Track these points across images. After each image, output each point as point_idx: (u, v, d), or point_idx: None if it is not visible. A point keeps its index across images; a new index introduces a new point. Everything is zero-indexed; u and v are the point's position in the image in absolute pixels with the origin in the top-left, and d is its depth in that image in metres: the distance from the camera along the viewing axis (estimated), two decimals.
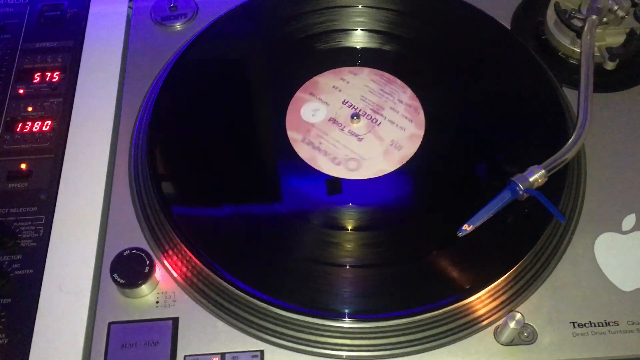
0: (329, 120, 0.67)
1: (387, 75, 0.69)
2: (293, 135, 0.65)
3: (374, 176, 0.63)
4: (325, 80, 0.69)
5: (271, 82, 0.70)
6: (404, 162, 0.64)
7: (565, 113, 0.65)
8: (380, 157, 0.64)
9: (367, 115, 0.67)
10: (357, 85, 0.69)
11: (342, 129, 0.66)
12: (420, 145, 0.65)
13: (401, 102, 0.68)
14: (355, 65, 0.70)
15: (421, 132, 0.66)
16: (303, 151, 0.64)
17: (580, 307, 0.56)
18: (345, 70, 0.70)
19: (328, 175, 0.63)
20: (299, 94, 0.68)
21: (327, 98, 0.68)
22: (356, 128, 0.67)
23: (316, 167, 0.63)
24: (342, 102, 0.68)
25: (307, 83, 0.68)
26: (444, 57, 0.71)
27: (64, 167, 0.64)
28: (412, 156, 0.64)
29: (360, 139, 0.66)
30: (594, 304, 0.56)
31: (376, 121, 0.67)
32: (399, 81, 0.69)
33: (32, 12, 0.76)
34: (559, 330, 0.55)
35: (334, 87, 0.68)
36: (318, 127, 0.66)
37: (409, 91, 0.68)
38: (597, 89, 0.67)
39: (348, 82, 0.68)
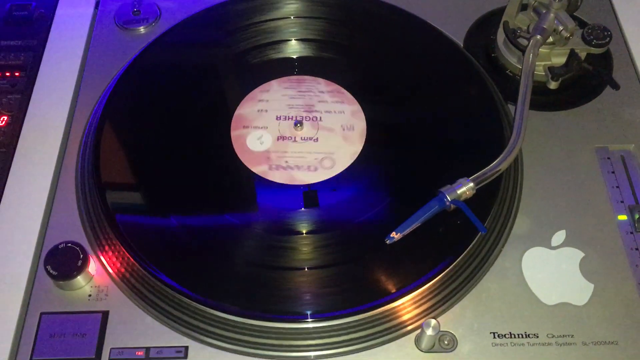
0: (278, 139, 0.68)
1: (294, 77, 0.72)
2: (259, 169, 0.66)
3: (351, 161, 0.66)
4: (247, 109, 0.70)
5: (214, 99, 0.71)
6: (364, 136, 0.67)
7: (505, 129, 0.67)
8: (343, 143, 0.67)
9: (306, 117, 0.69)
10: (276, 98, 0.70)
11: (294, 141, 0.68)
12: (365, 118, 0.69)
13: (322, 92, 0.70)
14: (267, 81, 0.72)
15: (357, 106, 0.69)
16: (277, 177, 0.65)
17: (502, 318, 0.57)
18: (257, 92, 0.71)
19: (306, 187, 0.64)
20: (233, 132, 0.68)
21: (261, 123, 0.69)
22: (305, 132, 0.68)
23: (299, 182, 0.65)
24: (277, 119, 0.69)
25: (234, 119, 0.69)
26: (379, 63, 0.73)
27: (13, 161, 0.66)
28: (367, 129, 0.68)
29: (316, 140, 0.68)
30: (516, 316, 0.57)
31: (316, 118, 0.69)
32: (309, 77, 0.72)
33: (1, 11, 0.78)
34: (479, 339, 0.56)
35: (258, 110, 0.70)
36: (274, 150, 0.67)
37: (322, 81, 0.72)
38: (541, 108, 0.69)
39: (267, 101, 0.70)
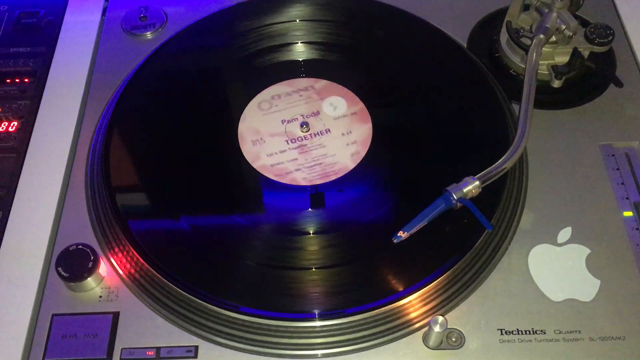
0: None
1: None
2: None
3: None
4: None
5: (221, 102, 0.72)
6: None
7: (510, 128, 0.67)
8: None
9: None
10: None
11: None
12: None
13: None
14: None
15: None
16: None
17: (509, 315, 0.57)
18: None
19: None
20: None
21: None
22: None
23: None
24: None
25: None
26: (384, 65, 0.74)
27: (24, 166, 0.67)
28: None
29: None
30: (523, 313, 0.57)
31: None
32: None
33: (10, 18, 0.80)
34: (486, 336, 0.56)
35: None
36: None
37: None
38: (545, 106, 0.70)
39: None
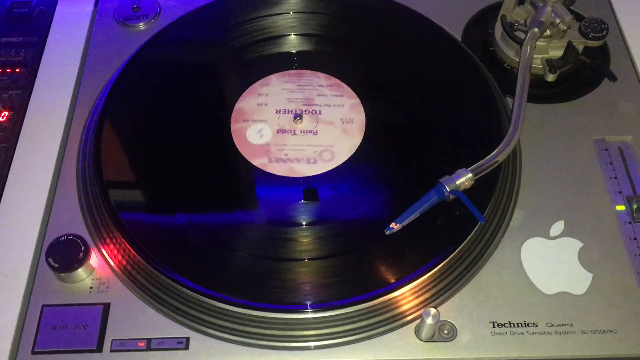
0: (278, 132, 0.68)
1: (293, 72, 0.72)
2: (259, 161, 0.66)
3: (351, 153, 0.66)
4: (247, 103, 0.70)
5: (214, 93, 0.72)
6: (363, 129, 0.67)
7: (503, 121, 0.67)
8: (342, 136, 0.67)
9: (305, 111, 0.69)
10: (276, 92, 0.71)
11: (294, 134, 0.68)
12: (364, 112, 0.69)
13: (321, 86, 0.71)
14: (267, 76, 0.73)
15: (357, 100, 0.70)
16: (277, 169, 0.65)
17: (501, 307, 0.57)
18: (257, 86, 0.71)
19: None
20: (234, 126, 0.68)
21: (261, 116, 0.69)
22: (305, 126, 0.69)
23: (299, 175, 0.65)
24: (276, 112, 0.70)
25: (234, 113, 0.69)
26: (378, 57, 0.74)
27: (15, 156, 0.67)
28: (366, 122, 0.68)
29: (315, 133, 0.68)
30: (515, 305, 0.57)
31: (316, 112, 0.69)
32: (308, 72, 0.72)
33: (2, 8, 0.79)
34: (478, 329, 0.56)
35: (258, 104, 0.70)
36: (273, 143, 0.67)
37: (321, 75, 0.72)
38: (538, 100, 0.70)
39: (267, 95, 0.71)
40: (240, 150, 0.67)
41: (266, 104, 0.70)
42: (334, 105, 0.70)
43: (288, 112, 0.70)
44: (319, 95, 0.71)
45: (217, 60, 0.74)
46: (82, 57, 0.75)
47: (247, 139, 0.68)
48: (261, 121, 0.69)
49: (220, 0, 0.77)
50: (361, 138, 0.67)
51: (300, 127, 0.69)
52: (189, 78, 0.72)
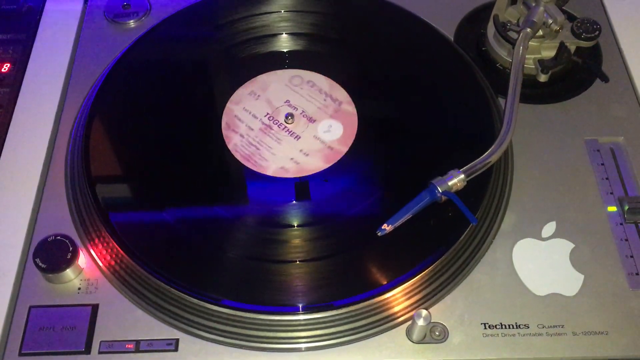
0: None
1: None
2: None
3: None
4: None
5: (204, 92, 0.71)
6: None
7: (496, 121, 0.67)
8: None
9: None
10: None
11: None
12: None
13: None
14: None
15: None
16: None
17: (493, 309, 0.57)
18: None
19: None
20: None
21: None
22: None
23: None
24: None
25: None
26: (370, 57, 0.73)
27: (2, 154, 0.66)
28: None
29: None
30: (507, 307, 0.57)
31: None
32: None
33: None
34: (470, 330, 0.56)
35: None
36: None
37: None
38: (531, 101, 0.70)
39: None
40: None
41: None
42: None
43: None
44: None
45: (207, 58, 0.73)
46: (72, 54, 0.74)
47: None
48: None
49: None
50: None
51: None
52: (179, 76, 0.71)
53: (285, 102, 0.70)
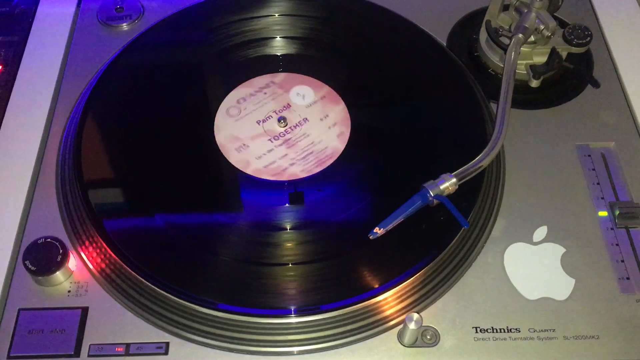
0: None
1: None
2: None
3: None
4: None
5: (197, 96, 0.71)
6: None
7: (487, 126, 0.67)
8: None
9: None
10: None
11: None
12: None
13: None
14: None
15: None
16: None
17: (484, 313, 0.57)
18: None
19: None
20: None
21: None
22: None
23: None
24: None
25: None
26: (363, 61, 0.73)
27: None
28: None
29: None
30: (498, 311, 0.57)
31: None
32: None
33: None
34: (461, 334, 0.56)
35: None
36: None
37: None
38: (522, 106, 0.70)
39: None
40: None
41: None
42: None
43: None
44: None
45: (200, 62, 0.73)
46: (64, 57, 0.74)
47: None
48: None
49: (204, 2, 0.77)
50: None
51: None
52: (172, 80, 0.71)
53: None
